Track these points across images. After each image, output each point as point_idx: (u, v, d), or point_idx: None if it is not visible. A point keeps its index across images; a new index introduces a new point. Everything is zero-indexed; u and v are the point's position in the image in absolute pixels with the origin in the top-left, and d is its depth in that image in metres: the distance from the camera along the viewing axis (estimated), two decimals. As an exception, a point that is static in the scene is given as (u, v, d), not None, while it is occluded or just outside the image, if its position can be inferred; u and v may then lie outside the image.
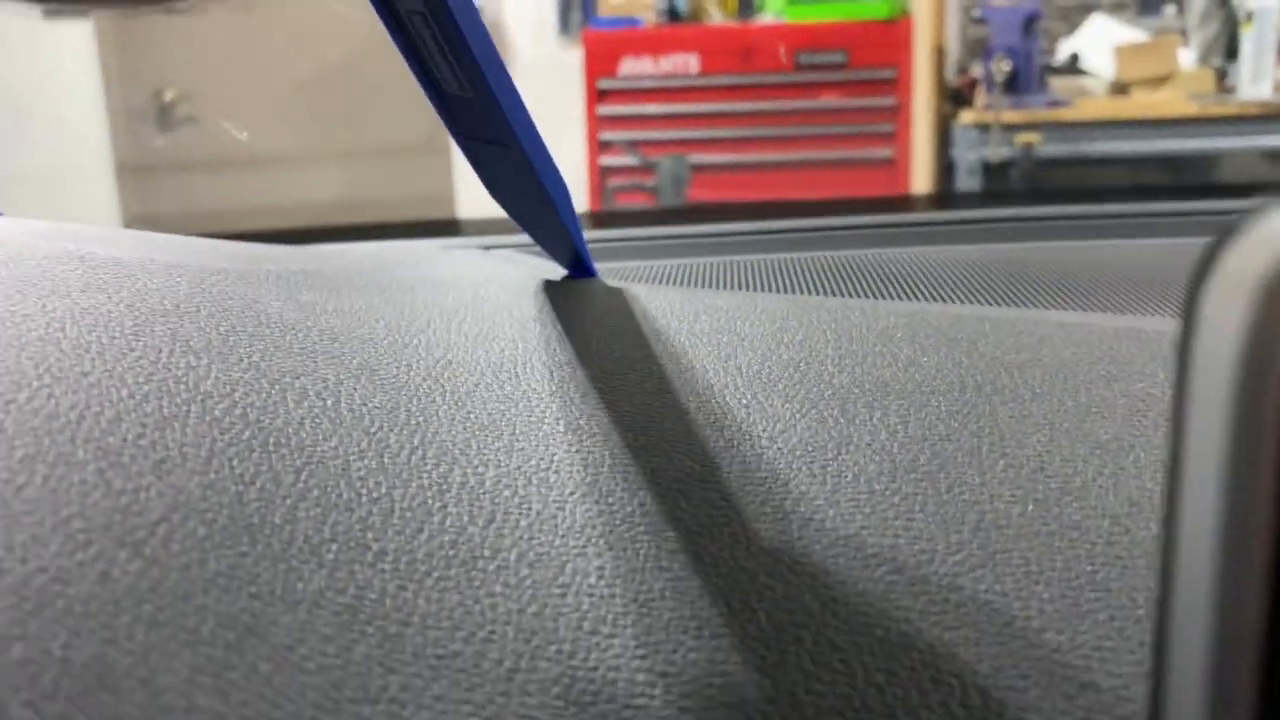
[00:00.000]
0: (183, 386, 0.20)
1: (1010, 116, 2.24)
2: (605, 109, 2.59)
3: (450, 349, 0.26)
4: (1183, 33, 2.77)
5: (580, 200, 2.63)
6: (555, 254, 0.36)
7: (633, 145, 2.58)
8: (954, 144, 2.33)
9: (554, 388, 0.24)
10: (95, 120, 2.25)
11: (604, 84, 2.58)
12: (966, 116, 2.29)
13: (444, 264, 0.37)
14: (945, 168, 2.41)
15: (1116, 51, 2.40)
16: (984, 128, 2.25)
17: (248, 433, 0.19)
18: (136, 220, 2.27)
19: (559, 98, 2.78)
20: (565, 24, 3.00)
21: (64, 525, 0.15)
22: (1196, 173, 2.69)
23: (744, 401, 0.23)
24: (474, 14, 0.25)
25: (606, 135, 2.61)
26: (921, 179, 2.42)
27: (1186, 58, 2.51)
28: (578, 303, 0.31)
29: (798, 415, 0.22)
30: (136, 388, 0.19)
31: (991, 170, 2.27)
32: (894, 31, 2.45)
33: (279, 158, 2.12)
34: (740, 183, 2.54)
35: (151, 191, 2.28)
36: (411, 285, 0.32)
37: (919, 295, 0.35)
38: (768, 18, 2.60)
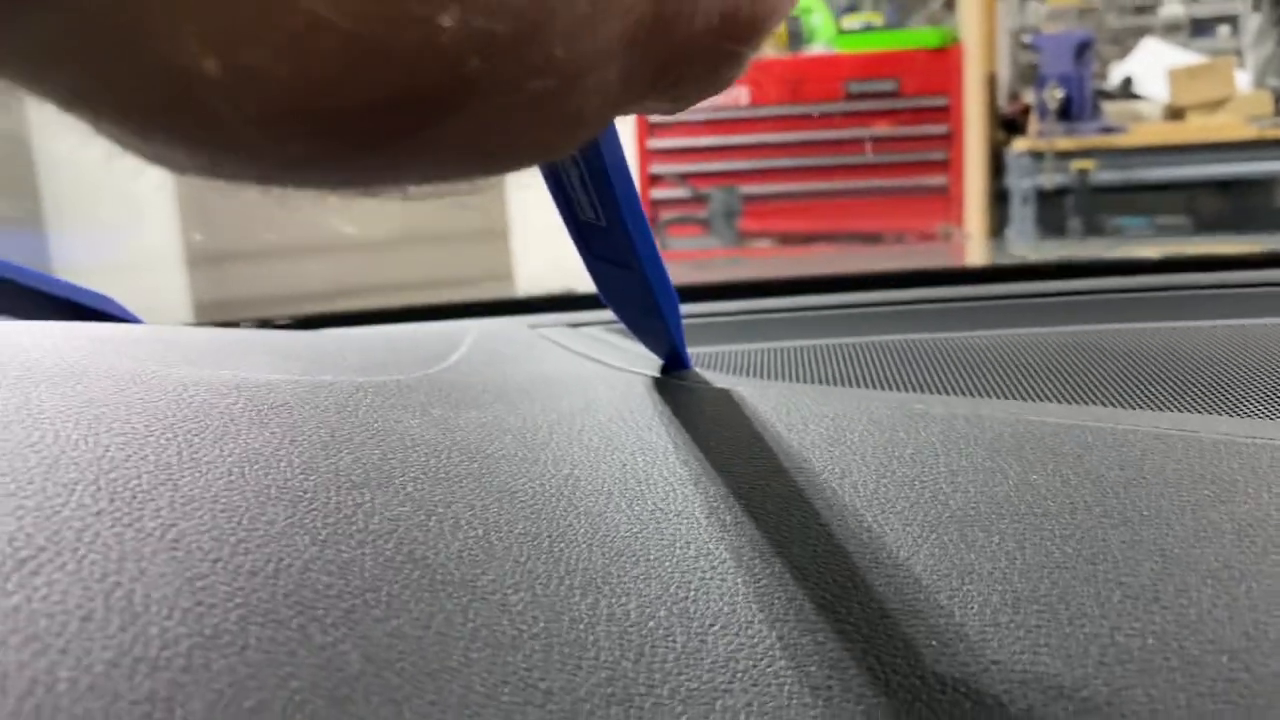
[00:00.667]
0: (355, 528, 0.22)
1: (1064, 144, 2.23)
2: (656, 142, 2.62)
3: (575, 465, 0.27)
4: (1238, 53, 2.74)
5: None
6: (653, 348, 0.37)
7: (684, 178, 2.60)
8: (1008, 172, 2.32)
9: (680, 507, 0.26)
10: (165, 210, 2.29)
11: (654, 118, 2.60)
12: (1020, 144, 2.29)
13: (548, 358, 0.39)
14: (999, 195, 2.40)
15: (1171, 75, 2.39)
16: (1038, 155, 2.24)
17: (417, 573, 0.21)
18: (207, 307, 2.32)
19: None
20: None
21: (283, 686, 0.17)
22: (1256, 197, 2.65)
23: (866, 524, 0.24)
24: (622, 159, 0.27)
25: (658, 169, 2.64)
26: (975, 207, 2.42)
27: (1243, 79, 2.49)
28: (689, 408, 0.32)
29: (919, 540, 0.23)
30: (316, 534, 0.21)
31: (1046, 197, 2.26)
32: (944, 59, 2.46)
33: (342, 243, 2.17)
34: (792, 212, 2.55)
35: (218, 278, 2.32)
36: (527, 390, 0.33)
37: (999, 386, 0.36)
38: (817, 48, 2.61)
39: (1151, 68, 2.52)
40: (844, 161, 2.55)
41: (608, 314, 0.49)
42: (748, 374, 0.40)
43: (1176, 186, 2.51)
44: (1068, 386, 0.35)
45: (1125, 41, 2.73)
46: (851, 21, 2.64)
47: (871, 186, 2.54)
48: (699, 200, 2.58)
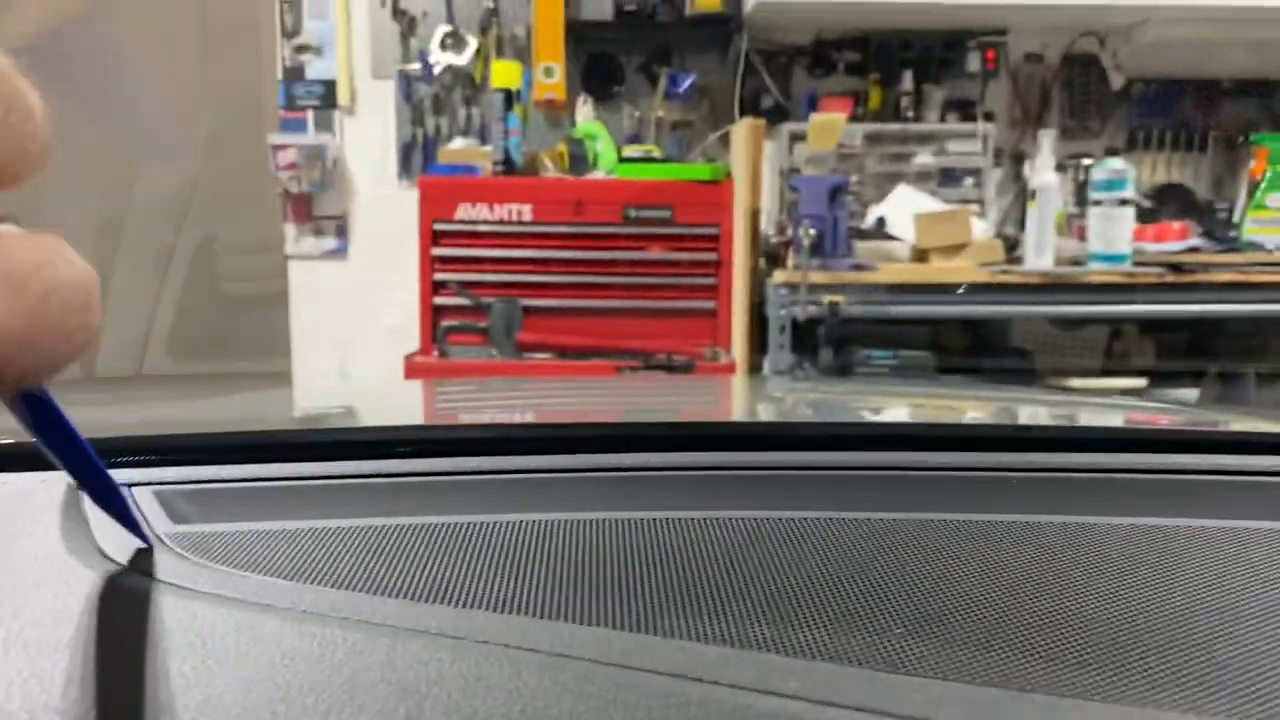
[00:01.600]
0: None
1: (817, 277, 2.39)
2: (440, 250, 2.66)
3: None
4: (981, 202, 3.02)
5: (412, 340, 2.67)
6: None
7: (465, 286, 2.64)
8: (768, 301, 2.47)
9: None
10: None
11: (439, 226, 2.65)
12: (779, 275, 2.44)
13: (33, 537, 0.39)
14: (762, 321, 2.54)
15: (916, 220, 2.61)
16: (793, 287, 2.39)
17: None
18: None
19: (397, 237, 2.84)
20: (406, 168, 3.08)
21: None
22: (994, 335, 2.90)
23: None
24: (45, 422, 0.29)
25: (440, 276, 2.67)
26: (739, 332, 2.55)
27: (980, 227, 2.74)
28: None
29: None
30: None
31: (800, 326, 2.41)
32: (716, 192, 2.61)
33: None
34: (570, 327, 2.62)
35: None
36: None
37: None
38: (599, 174, 2.73)
39: (903, 211, 2.75)
40: (621, 281, 2.65)
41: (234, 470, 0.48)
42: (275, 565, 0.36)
43: (923, 322, 2.72)
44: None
45: (884, 185, 2.97)
46: (633, 151, 2.77)
47: (646, 306, 2.65)
48: (480, 309, 2.62)
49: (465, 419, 0.81)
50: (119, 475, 0.45)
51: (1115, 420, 0.87)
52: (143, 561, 0.35)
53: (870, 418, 0.85)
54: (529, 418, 0.83)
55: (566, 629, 0.29)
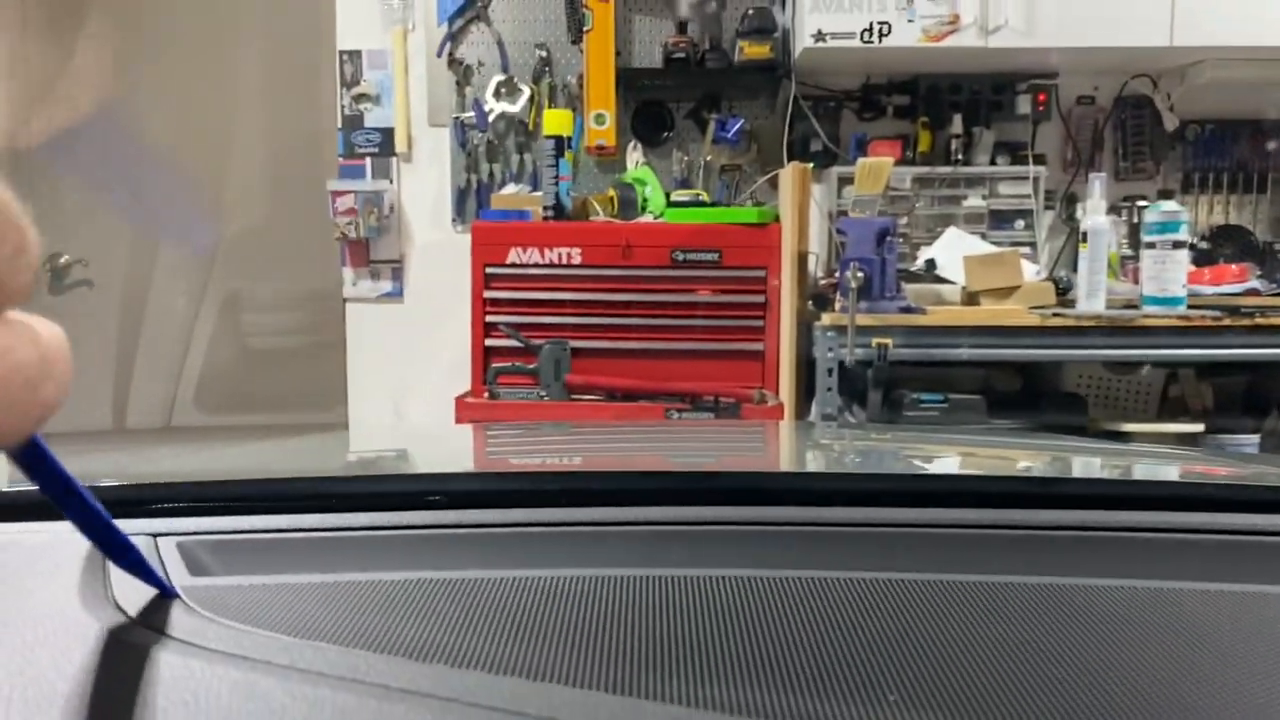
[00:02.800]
0: None
1: (865, 320, 2.39)
2: (492, 293, 2.70)
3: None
4: (1034, 245, 3.00)
5: (464, 381, 2.71)
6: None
7: (516, 328, 2.68)
8: (815, 343, 2.47)
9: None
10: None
11: (491, 269, 2.70)
12: (827, 318, 2.44)
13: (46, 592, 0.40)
14: (810, 364, 2.54)
15: (966, 262, 2.59)
16: (841, 329, 2.39)
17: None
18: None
19: (450, 281, 2.89)
20: (460, 213, 3.15)
21: None
22: (1046, 379, 2.87)
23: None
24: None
25: (492, 318, 2.71)
26: (786, 375, 2.55)
27: (1031, 270, 2.72)
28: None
29: None
30: None
31: (848, 370, 2.41)
32: (764, 235, 2.63)
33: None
34: (618, 369, 2.65)
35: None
36: None
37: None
38: (647, 218, 2.76)
39: (953, 253, 2.74)
40: (669, 323, 2.67)
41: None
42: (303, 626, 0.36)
43: (973, 365, 2.70)
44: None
45: (933, 228, 2.96)
46: (681, 195, 2.80)
47: (693, 349, 2.67)
48: (530, 351, 2.65)
49: (501, 468, 0.82)
50: (145, 525, 0.47)
51: (1173, 474, 0.85)
52: (154, 616, 0.36)
53: (918, 470, 0.83)
54: (565, 467, 0.84)
55: (557, 691, 0.30)
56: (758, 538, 0.49)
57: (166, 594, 0.38)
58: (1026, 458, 0.97)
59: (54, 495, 0.32)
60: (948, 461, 0.93)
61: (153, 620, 0.35)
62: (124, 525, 0.36)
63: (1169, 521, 0.51)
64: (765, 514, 0.51)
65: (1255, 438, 2.63)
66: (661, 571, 0.42)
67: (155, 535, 0.45)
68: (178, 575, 0.41)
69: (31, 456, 0.30)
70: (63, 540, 0.44)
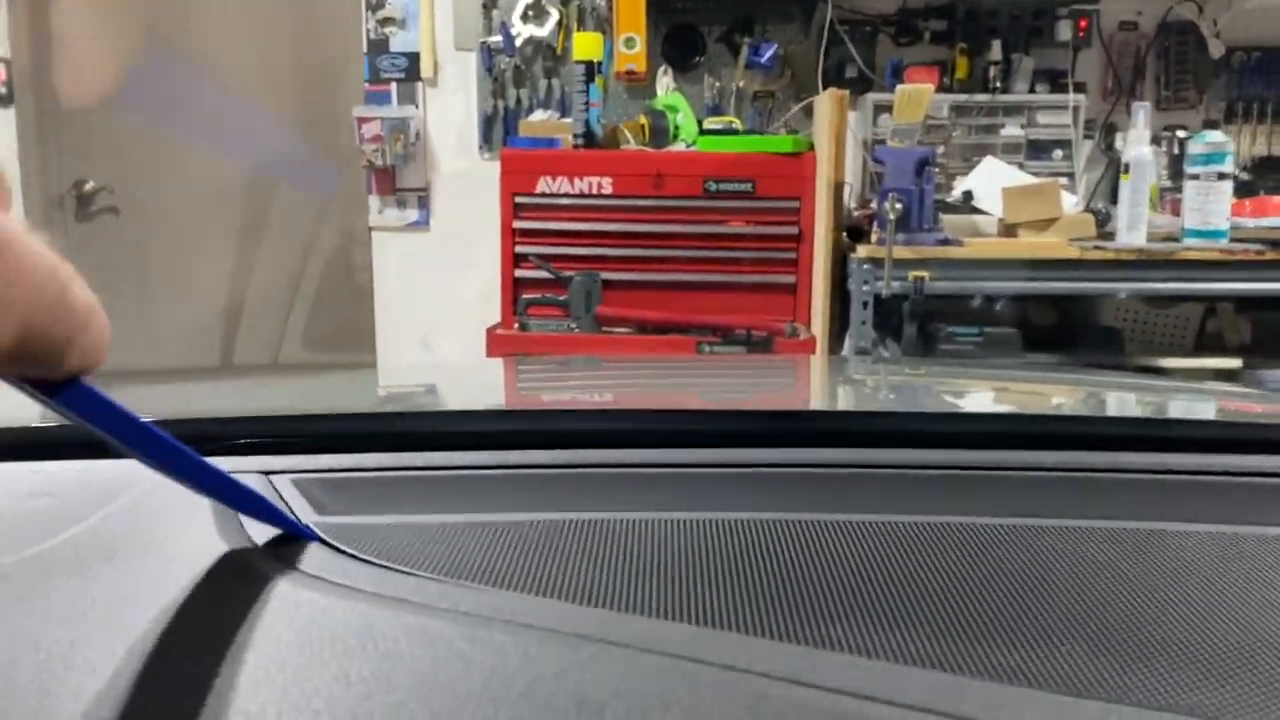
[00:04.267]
0: None
1: (902, 253, 2.35)
2: (521, 223, 2.67)
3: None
4: (1072, 176, 2.94)
5: (494, 312, 2.69)
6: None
7: (546, 259, 2.65)
8: (850, 276, 2.44)
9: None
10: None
11: (520, 199, 2.66)
12: (862, 250, 2.40)
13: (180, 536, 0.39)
14: (844, 297, 2.51)
15: (1004, 194, 2.55)
16: (877, 262, 2.36)
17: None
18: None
19: (478, 210, 2.86)
20: (488, 140, 3.10)
21: None
22: (1083, 313, 2.83)
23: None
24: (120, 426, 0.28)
25: (521, 249, 2.68)
26: (819, 308, 2.52)
27: (1070, 201, 2.67)
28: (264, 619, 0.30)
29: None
30: None
31: (883, 302, 2.38)
32: (798, 165, 2.58)
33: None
34: (649, 301, 2.62)
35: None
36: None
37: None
38: (679, 147, 2.71)
39: (991, 184, 2.69)
40: (700, 255, 2.64)
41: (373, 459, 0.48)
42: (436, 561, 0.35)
43: (1009, 298, 2.66)
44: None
45: (971, 157, 2.90)
46: (714, 123, 2.75)
47: (726, 281, 2.64)
48: (560, 283, 2.63)
49: (607, 406, 0.81)
50: (250, 463, 0.46)
51: (1225, 416, 0.84)
52: (297, 555, 0.35)
53: (953, 408, 0.83)
54: (673, 401, 0.83)
55: (739, 641, 0.29)
56: (846, 480, 0.48)
57: (304, 536, 0.36)
58: (1070, 396, 0.96)
59: (129, 440, 0.29)
60: (1007, 399, 0.92)
61: (300, 561, 0.34)
62: (222, 464, 0.34)
63: (1212, 464, 0.50)
64: (844, 456, 0.51)
65: (1293, 373, 2.60)
66: (767, 515, 0.41)
67: (268, 473, 0.44)
68: (304, 514, 0.39)
69: (90, 403, 0.27)
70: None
